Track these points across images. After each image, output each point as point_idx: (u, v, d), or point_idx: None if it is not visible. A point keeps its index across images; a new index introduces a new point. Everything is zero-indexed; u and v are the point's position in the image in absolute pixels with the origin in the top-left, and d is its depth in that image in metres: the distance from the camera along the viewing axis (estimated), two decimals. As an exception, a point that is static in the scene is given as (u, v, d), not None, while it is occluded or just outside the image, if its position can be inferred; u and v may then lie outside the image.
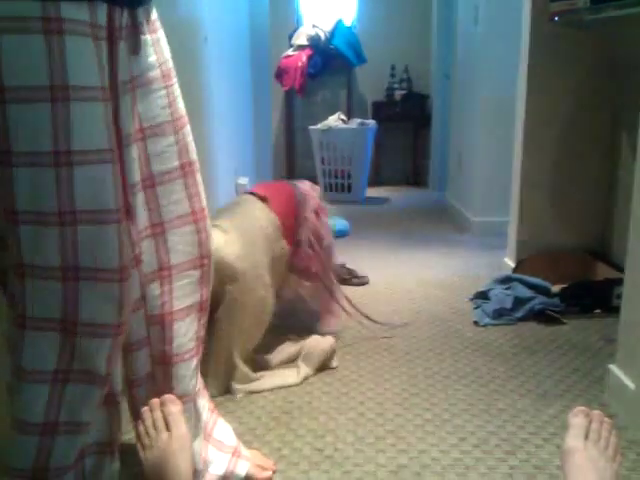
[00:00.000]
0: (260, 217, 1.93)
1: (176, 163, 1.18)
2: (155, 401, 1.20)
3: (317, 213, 2.10)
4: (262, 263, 1.85)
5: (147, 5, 1.11)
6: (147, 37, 1.11)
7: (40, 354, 1.03)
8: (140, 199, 1.15)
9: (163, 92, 1.15)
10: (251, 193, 2.04)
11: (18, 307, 1.02)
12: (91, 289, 1.01)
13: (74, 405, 1.06)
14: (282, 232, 1.96)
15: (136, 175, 1.13)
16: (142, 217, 1.16)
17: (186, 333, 1.22)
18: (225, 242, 1.76)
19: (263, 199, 1.98)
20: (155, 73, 1.13)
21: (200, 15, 2.59)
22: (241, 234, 1.82)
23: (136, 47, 1.08)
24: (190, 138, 1.21)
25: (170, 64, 1.17)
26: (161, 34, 1.16)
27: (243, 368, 1.80)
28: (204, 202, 1.24)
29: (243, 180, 3.49)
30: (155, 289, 1.19)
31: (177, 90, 1.19)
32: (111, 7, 1.00)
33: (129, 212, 1.13)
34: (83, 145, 0.95)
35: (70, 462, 1.08)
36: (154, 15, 1.15)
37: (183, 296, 1.21)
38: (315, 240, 2.05)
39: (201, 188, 1.23)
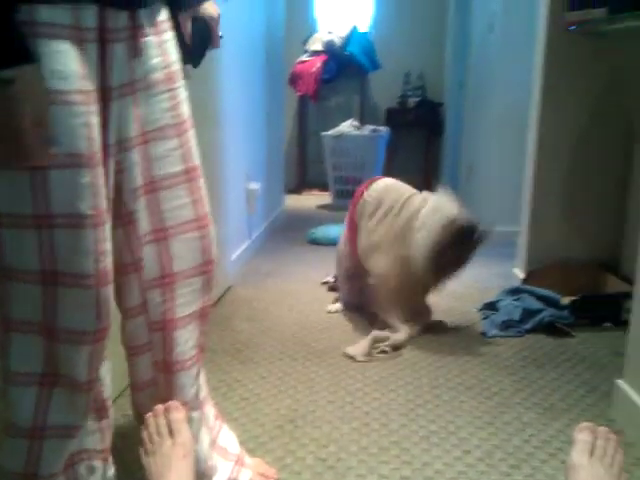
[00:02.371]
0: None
1: (180, 167, 1.16)
2: (159, 407, 1.20)
3: None
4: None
5: (151, 6, 1.09)
6: (151, 39, 1.09)
7: (27, 356, 1.04)
8: (142, 204, 1.13)
9: (166, 95, 1.12)
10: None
11: (3, 309, 1.03)
12: (68, 295, 1.00)
13: (62, 410, 1.06)
14: None
15: (138, 180, 1.12)
16: (144, 222, 1.14)
17: (188, 341, 1.22)
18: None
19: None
20: (158, 75, 1.11)
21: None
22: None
23: (137, 49, 1.06)
24: (194, 142, 1.19)
25: (176, 66, 1.15)
26: (169, 36, 1.14)
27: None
28: (207, 208, 1.22)
29: (254, 185, 3.50)
30: (157, 296, 1.18)
31: (182, 93, 1.16)
32: (103, 9, 0.98)
33: (130, 217, 1.13)
34: (58, 149, 0.94)
35: (59, 468, 1.09)
36: (163, 16, 1.12)
37: (185, 304, 1.20)
38: None
39: (204, 193, 1.21)
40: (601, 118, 2.71)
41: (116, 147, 1.07)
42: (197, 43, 1.17)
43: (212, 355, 2.12)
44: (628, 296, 2.05)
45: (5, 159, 0.92)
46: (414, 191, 2.47)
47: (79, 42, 0.96)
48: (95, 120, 0.99)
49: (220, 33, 1.26)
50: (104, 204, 1.02)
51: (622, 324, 2.25)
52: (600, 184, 2.76)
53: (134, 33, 1.06)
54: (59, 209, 0.97)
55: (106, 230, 1.03)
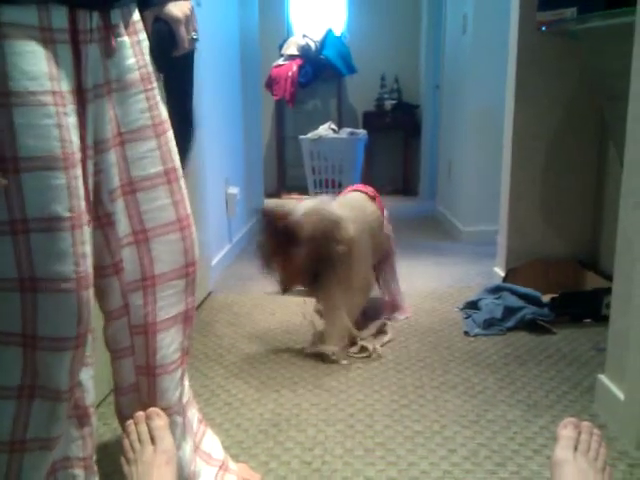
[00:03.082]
0: (370, 211, 2.34)
1: (159, 168, 1.14)
2: (140, 414, 1.18)
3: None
4: (367, 244, 2.23)
5: (124, 6, 1.07)
6: (125, 39, 1.08)
7: (4, 369, 1.01)
8: (120, 205, 1.12)
9: (142, 96, 1.11)
10: (359, 191, 2.45)
11: None
12: (48, 300, 0.98)
13: (41, 421, 1.04)
14: (383, 226, 2.40)
15: (115, 181, 1.10)
16: (123, 224, 1.13)
17: (170, 344, 1.20)
18: (346, 217, 2.12)
19: (372, 198, 2.40)
20: (133, 76, 1.10)
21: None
22: (355, 219, 2.19)
23: (110, 50, 1.05)
24: (173, 144, 1.17)
25: (150, 68, 1.14)
26: (142, 36, 1.12)
27: (353, 330, 2.17)
28: (189, 209, 1.20)
29: (233, 190, 3.48)
30: (138, 299, 1.16)
31: (158, 95, 1.15)
32: (73, 10, 0.96)
33: (108, 218, 1.11)
34: (29, 152, 0.92)
35: (41, 479, 1.06)
36: (135, 17, 1.11)
37: (168, 306, 1.18)
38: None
39: (185, 194, 1.19)
40: (575, 116, 2.75)
41: (93, 149, 1.06)
42: (155, 45, 1.14)
43: (194, 361, 2.09)
44: (607, 292, 2.08)
45: None
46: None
47: (49, 43, 0.94)
48: (69, 121, 0.97)
49: (194, 35, 1.22)
50: (82, 206, 0.99)
51: (602, 320, 2.28)
52: (576, 181, 2.79)
53: (107, 33, 1.04)
54: (35, 213, 0.95)
55: (85, 232, 1.00)
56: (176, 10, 1.16)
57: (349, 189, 2.54)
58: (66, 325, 1.00)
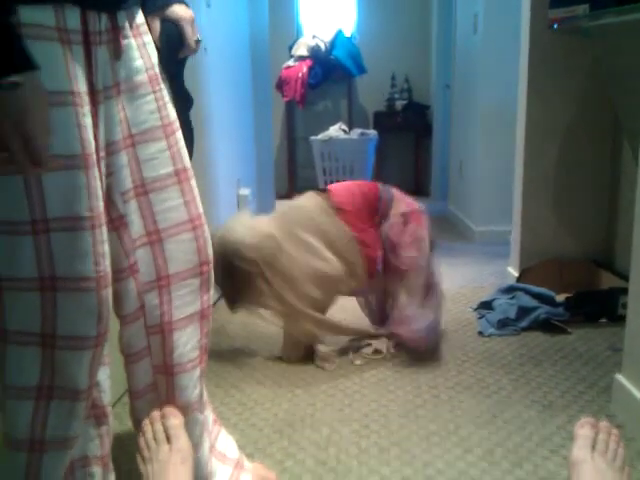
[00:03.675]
0: (306, 204, 2.16)
1: (170, 169, 1.15)
2: (155, 414, 1.18)
3: (405, 218, 2.20)
4: (303, 236, 2.05)
5: (130, 9, 1.08)
6: (131, 41, 1.09)
7: (22, 369, 1.02)
8: (133, 207, 1.12)
9: (151, 97, 1.12)
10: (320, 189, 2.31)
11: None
12: (68, 299, 0.98)
13: (59, 421, 1.04)
14: (342, 217, 2.11)
15: (127, 182, 1.10)
16: (136, 225, 1.13)
17: (187, 342, 1.20)
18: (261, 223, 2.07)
19: (323, 190, 2.24)
20: (142, 78, 1.10)
21: (200, 26, 2.58)
22: (282, 216, 2.12)
23: (118, 52, 1.06)
24: (182, 144, 1.18)
25: (157, 69, 1.14)
26: (148, 39, 1.13)
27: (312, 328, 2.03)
28: (201, 208, 1.21)
29: (245, 191, 3.48)
30: (154, 299, 1.16)
31: (166, 96, 1.16)
32: (85, 11, 0.97)
33: (121, 220, 1.11)
34: (51, 151, 0.92)
35: (59, 479, 1.06)
36: (140, 19, 1.12)
37: (183, 305, 1.19)
38: (390, 243, 2.14)
39: (197, 194, 1.20)
40: (588, 114, 2.72)
41: (105, 150, 1.06)
42: (165, 45, 1.15)
43: (208, 361, 2.09)
44: (623, 292, 2.06)
45: (11, 165, 0.90)
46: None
47: (65, 43, 0.94)
48: (88, 121, 0.98)
49: (198, 37, 1.24)
50: (100, 206, 1.00)
51: (617, 320, 2.26)
52: (590, 180, 2.77)
53: (115, 35, 1.05)
54: (56, 212, 0.95)
55: (103, 232, 1.01)
56: (181, 11, 1.17)
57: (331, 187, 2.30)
58: (86, 324, 1.00)
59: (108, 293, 1.02)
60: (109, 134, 1.06)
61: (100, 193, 1.00)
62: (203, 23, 2.63)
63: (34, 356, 1.01)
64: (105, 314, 1.02)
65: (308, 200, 2.19)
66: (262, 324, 2.47)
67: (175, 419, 1.17)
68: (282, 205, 2.22)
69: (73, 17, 0.95)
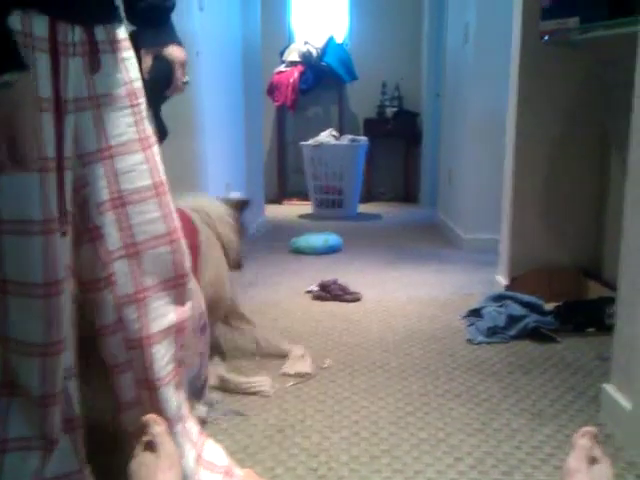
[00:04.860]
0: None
1: (148, 182, 1.16)
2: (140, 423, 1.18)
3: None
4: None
5: (110, 24, 1.10)
6: (109, 56, 1.10)
7: None
8: (110, 218, 1.12)
9: (128, 110, 1.13)
10: None
11: None
12: (17, 304, 0.98)
13: (20, 420, 1.03)
14: None
15: (103, 194, 1.11)
16: (113, 237, 1.13)
17: (164, 356, 1.20)
18: None
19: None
20: (119, 91, 1.12)
21: (192, 30, 2.58)
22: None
23: (94, 65, 1.07)
24: (159, 158, 1.19)
25: (138, 84, 1.16)
26: (129, 54, 1.15)
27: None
28: (177, 222, 1.22)
29: (235, 195, 3.47)
30: (132, 312, 1.16)
31: (144, 111, 1.18)
32: (54, 21, 0.98)
33: (97, 231, 1.11)
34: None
35: None
36: (122, 34, 1.13)
37: (159, 318, 1.19)
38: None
39: (172, 208, 1.21)
40: (577, 125, 2.75)
41: (75, 161, 1.07)
42: (154, 81, 1.18)
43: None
44: (611, 301, 2.08)
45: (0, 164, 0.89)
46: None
47: (28, 48, 0.95)
48: (45, 126, 0.98)
49: (186, 79, 1.27)
50: (55, 212, 1.00)
51: (605, 329, 2.28)
52: (578, 190, 2.79)
53: (92, 49, 1.06)
54: (7, 215, 0.95)
55: (57, 239, 1.00)
56: (179, 53, 1.21)
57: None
58: (33, 331, 0.99)
59: (59, 301, 1.01)
60: (82, 145, 1.07)
61: (55, 200, 1.00)
62: (195, 27, 2.63)
63: None
64: (56, 322, 1.00)
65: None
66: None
67: (159, 426, 1.16)
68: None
69: (40, 25, 0.96)
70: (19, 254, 0.96)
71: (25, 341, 0.99)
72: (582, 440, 1.17)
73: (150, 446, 1.14)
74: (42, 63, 0.97)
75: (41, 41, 0.96)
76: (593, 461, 1.17)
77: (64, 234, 1.04)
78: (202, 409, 1.67)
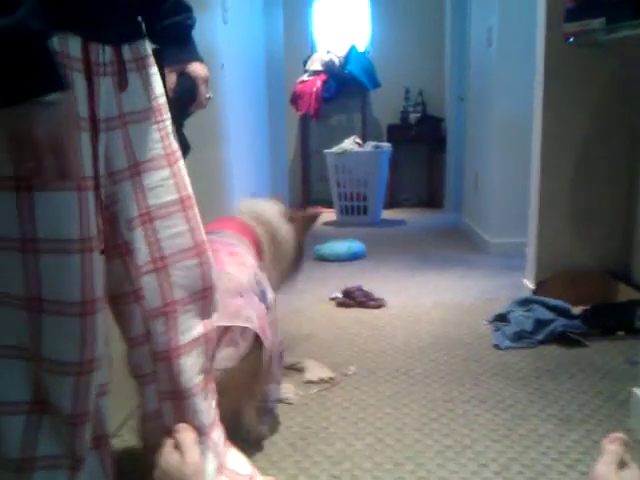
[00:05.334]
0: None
1: (174, 196, 1.17)
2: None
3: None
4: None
5: (135, 43, 1.12)
6: (136, 73, 1.12)
7: (13, 383, 1.01)
8: (139, 234, 1.14)
9: (155, 127, 1.15)
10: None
11: None
12: (52, 322, 0.98)
13: (50, 438, 1.03)
14: None
15: (132, 210, 1.12)
16: (142, 252, 1.14)
17: (193, 367, 1.21)
18: None
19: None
20: (145, 108, 1.13)
21: (217, 43, 2.62)
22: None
23: (123, 84, 1.09)
24: (185, 172, 1.20)
25: (162, 100, 1.18)
26: (153, 70, 1.16)
27: None
28: (204, 235, 1.23)
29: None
30: (160, 325, 1.17)
31: (169, 126, 1.19)
32: (87, 42, 0.99)
33: (126, 247, 1.13)
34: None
35: None
36: (146, 51, 1.15)
37: (188, 330, 1.20)
38: None
39: (200, 221, 1.22)
40: (604, 127, 2.71)
41: (107, 179, 1.08)
42: (179, 97, 1.19)
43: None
44: (640, 303, 2.04)
45: (35, 176, 0.91)
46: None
47: (67, 69, 0.96)
48: (83, 146, 0.99)
49: (209, 95, 1.29)
50: (93, 231, 1.00)
51: (635, 332, 2.24)
52: (606, 191, 2.75)
53: (120, 68, 1.08)
54: (45, 233, 0.95)
55: (94, 257, 1.01)
56: (201, 70, 1.21)
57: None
58: (68, 350, 1.00)
59: (94, 320, 1.01)
60: (113, 163, 1.09)
61: (94, 218, 1.01)
62: (220, 40, 2.67)
63: (25, 370, 1.01)
64: (90, 342, 1.00)
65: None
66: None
67: (188, 434, 1.18)
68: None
69: (75, 46, 0.98)
70: (57, 273, 0.97)
71: (59, 360, 1.00)
72: (611, 446, 1.14)
73: (176, 452, 1.16)
74: (79, 83, 0.99)
75: (76, 62, 0.98)
76: (622, 466, 1.15)
77: (102, 252, 1.05)
78: (265, 428, 1.69)
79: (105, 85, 1.05)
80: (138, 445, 1.29)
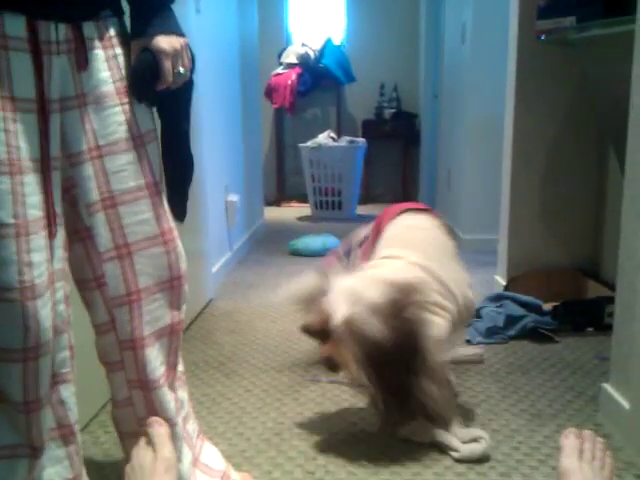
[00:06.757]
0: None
1: (140, 182, 1.13)
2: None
3: None
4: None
5: (99, 20, 1.08)
6: (98, 52, 1.08)
7: None
8: (100, 219, 1.11)
9: (118, 109, 1.11)
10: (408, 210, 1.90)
11: None
12: None
13: (4, 426, 1.02)
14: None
15: (93, 194, 1.10)
16: (104, 238, 1.12)
17: (157, 357, 1.19)
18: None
19: (425, 210, 1.90)
20: (108, 89, 1.10)
21: (189, 33, 2.58)
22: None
23: (81, 63, 1.05)
24: (153, 157, 1.16)
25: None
26: (119, 51, 1.12)
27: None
28: (172, 222, 1.20)
29: (233, 197, 3.47)
30: (125, 314, 1.15)
31: (140, 109, 1.14)
32: (33, 20, 0.97)
33: (87, 232, 1.11)
34: None
35: None
36: (114, 30, 1.11)
37: (153, 320, 1.18)
38: None
39: (167, 208, 1.19)
40: (574, 124, 2.75)
41: (63, 161, 1.06)
42: (136, 73, 1.14)
43: (195, 369, 2.08)
44: (609, 301, 2.07)
45: None
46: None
47: (2, 49, 0.94)
48: (18, 127, 0.97)
49: (179, 70, 1.19)
50: (32, 214, 0.98)
51: (604, 329, 2.27)
52: (577, 189, 2.79)
53: (78, 46, 1.04)
54: None
55: (34, 241, 0.98)
56: (164, 43, 1.14)
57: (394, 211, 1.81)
58: (10, 336, 0.98)
59: (36, 305, 0.98)
60: (71, 145, 1.06)
61: (32, 201, 0.98)
62: (192, 30, 2.62)
63: None
64: (34, 328, 0.98)
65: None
66: (255, 337, 2.46)
67: (160, 428, 1.16)
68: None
69: (15, 25, 0.95)
70: None
71: (3, 347, 0.98)
72: (567, 440, 1.18)
73: (148, 447, 1.14)
74: (23, 63, 0.96)
75: (18, 41, 0.95)
76: (592, 459, 1.18)
77: (50, 235, 1.02)
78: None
79: (59, 64, 1.02)
80: (111, 438, 1.27)
